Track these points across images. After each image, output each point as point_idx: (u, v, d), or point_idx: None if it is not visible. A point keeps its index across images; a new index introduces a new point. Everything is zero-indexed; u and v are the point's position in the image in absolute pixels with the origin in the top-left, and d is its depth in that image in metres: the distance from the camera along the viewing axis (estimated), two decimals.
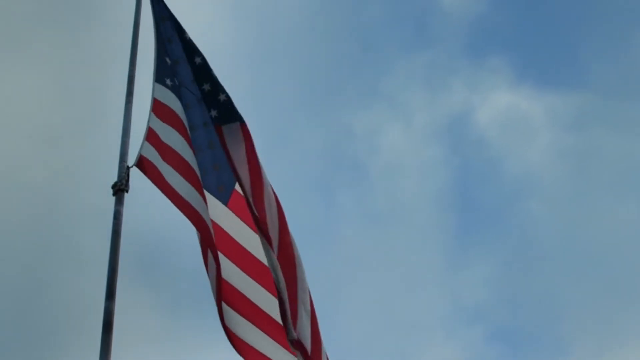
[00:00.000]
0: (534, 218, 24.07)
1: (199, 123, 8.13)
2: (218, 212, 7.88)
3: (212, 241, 7.46)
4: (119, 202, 7.58)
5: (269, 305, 7.68)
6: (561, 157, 25.01)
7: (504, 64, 24.84)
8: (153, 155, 7.74)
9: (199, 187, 7.65)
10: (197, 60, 8.30)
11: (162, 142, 7.84)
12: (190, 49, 8.35)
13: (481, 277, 23.11)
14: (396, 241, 23.02)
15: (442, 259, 23.28)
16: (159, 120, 7.92)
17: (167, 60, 8.30)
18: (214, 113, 8.10)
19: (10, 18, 18.84)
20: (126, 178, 7.65)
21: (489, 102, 24.97)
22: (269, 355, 7.59)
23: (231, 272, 7.72)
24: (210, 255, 7.58)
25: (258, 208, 7.63)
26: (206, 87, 8.19)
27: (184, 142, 7.88)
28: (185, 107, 8.10)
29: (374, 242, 22.92)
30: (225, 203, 7.92)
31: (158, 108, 7.97)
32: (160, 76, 8.15)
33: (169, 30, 8.44)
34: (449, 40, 25.00)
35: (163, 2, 8.60)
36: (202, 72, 8.26)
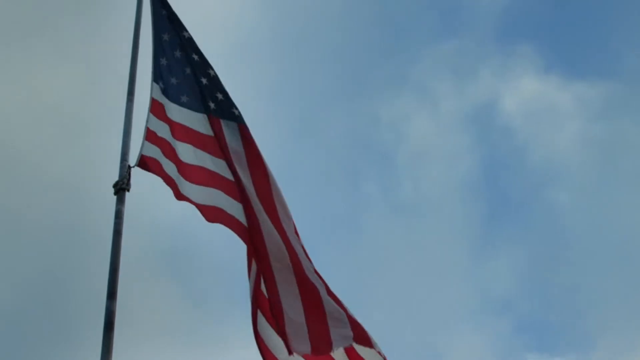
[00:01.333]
0: (560, 208, 23.93)
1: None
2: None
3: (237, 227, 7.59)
4: (120, 201, 7.59)
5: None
6: (588, 146, 24.88)
7: (533, 52, 24.63)
8: (155, 153, 7.79)
9: (202, 181, 7.74)
10: (195, 57, 8.32)
11: (162, 139, 7.91)
12: (190, 46, 8.38)
13: (508, 268, 22.93)
14: (422, 231, 22.90)
15: (469, 248, 23.11)
16: (157, 119, 7.97)
17: (163, 60, 8.32)
18: (212, 105, 8.15)
19: (9, 19, 18.85)
20: (127, 177, 7.66)
21: (516, 90, 24.81)
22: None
23: None
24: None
25: (264, 202, 7.68)
26: (204, 80, 8.24)
27: (173, 138, 7.96)
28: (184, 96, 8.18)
29: (400, 231, 22.82)
30: None
31: (156, 108, 8.02)
32: (157, 76, 8.19)
33: (167, 27, 8.46)
34: (477, 28, 24.78)
35: (165, 1, 8.61)
36: (201, 67, 8.30)
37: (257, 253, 7.49)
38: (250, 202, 7.65)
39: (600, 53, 25.29)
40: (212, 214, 7.73)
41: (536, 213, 24.06)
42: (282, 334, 7.27)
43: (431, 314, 21.43)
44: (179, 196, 7.73)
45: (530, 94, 24.75)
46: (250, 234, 7.58)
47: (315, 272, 7.66)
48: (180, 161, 7.87)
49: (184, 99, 8.15)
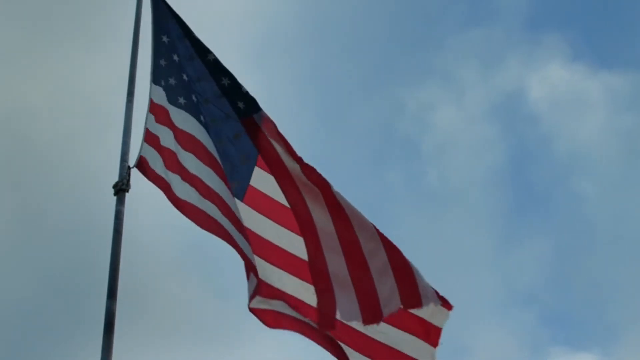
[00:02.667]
0: (586, 199, 23.80)
1: (220, 116, 8.10)
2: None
3: (219, 232, 7.52)
4: (120, 202, 7.60)
5: (300, 290, 7.58)
6: (615, 136, 24.73)
7: (561, 41, 24.43)
8: (152, 156, 7.79)
9: (199, 186, 7.70)
10: (210, 57, 8.25)
11: (160, 144, 7.90)
12: (201, 47, 8.33)
13: (533, 259, 22.86)
14: (447, 221, 22.79)
15: (494, 240, 23.00)
16: (154, 120, 7.97)
17: (162, 62, 8.29)
18: (241, 105, 8.05)
19: (7, 19, 18.84)
20: (127, 178, 7.67)
21: (543, 79, 24.64)
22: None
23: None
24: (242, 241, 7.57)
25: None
26: (225, 81, 8.14)
27: (176, 144, 7.92)
28: (198, 103, 8.10)
29: (425, 222, 22.74)
30: (241, 199, 7.85)
31: (155, 109, 8.01)
32: (157, 77, 8.18)
33: (172, 29, 8.42)
34: (505, 16, 24.59)
35: (165, 1, 8.59)
36: (217, 68, 8.24)
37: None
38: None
39: (628, 42, 25.13)
40: (185, 208, 7.69)
41: (562, 204, 23.98)
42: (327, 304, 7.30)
43: (456, 306, 21.30)
44: (173, 199, 7.72)
45: (557, 84, 24.60)
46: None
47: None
48: (170, 151, 7.85)
49: (181, 100, 8.12)
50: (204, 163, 7.80)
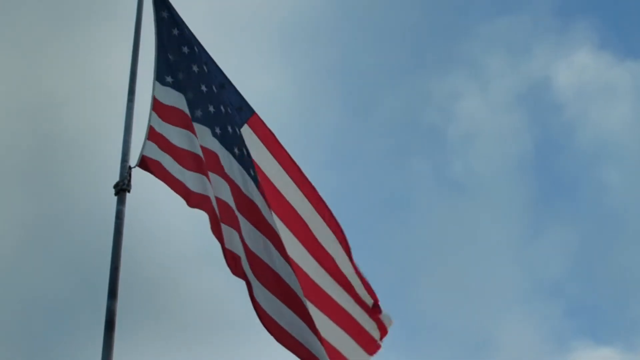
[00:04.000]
0: (612, 188, 23.76)
1: (235, 105, 8.34)
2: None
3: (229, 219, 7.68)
4: (121, 201, 7.60)
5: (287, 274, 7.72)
6: None
7: (589, 29, 24.40)
8: (157, 153, 7.76)
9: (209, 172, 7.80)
10: (195, 69, 8.39)
11: (166, 140, 7.87)
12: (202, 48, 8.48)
13: (558, 249, 22.81)
14: (472, 210, 22.83)
15: (519, 229, 22.98)
16: (159, 119, 7.94)
17: (170, 57, 8.30)
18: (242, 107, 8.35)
19: (9, 17, 18.84)
20: (128, 178, 7.65)
21: (570, 67, 24.55)
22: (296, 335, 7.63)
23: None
24: (232, 232, 7.67)
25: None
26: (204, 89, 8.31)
27: (190, 135, 7.95)
28: (212, 94, 8.21)
29: (450, 211, 22.77)
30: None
31: (158, 107, 7.99)
32: (161, 74, 8.15)
33: (169, 28, 8.49)
34: (533, 4, 24.59)
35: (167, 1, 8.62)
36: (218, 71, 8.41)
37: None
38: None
39: None
40: (196, 200, 7.76)
41: (587, 194, 23.95)
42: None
43: (480, 297, 21.26)
44: (183, 194, 7.75)
45: (584, 72, 24.50)
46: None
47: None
48: (178, 149, 7.89)
49: (189, 94, 8.20)
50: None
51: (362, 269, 8.54)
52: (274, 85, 21.81)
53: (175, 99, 8.10)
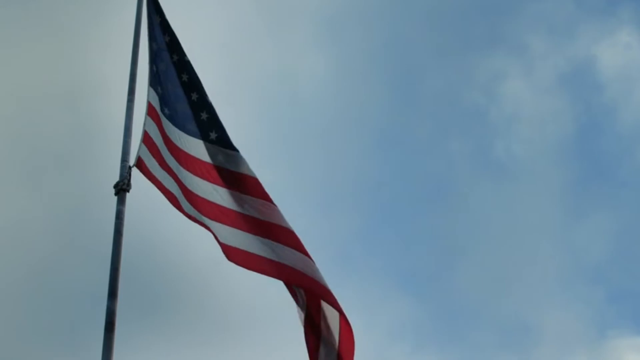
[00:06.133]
0: None
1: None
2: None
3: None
4: (121, 201, 7.61)
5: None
6: None
7: (633, 10, 24.15)
8: (148, 157, 7.86)
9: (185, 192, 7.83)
10: (185, 77, 8.36)
11: (155, 146, 7.99)
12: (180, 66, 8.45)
13: (600, 233, 22.61)
14: (513, 193, 22.63)
15: (561, 213, 22.78)
16: (153, 123, 8.03)
17: (154, 67, 8.36)
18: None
19: (5, 16, 18.84)
20: (128, 178, 7.68)
21: (614, 49, 24.30)
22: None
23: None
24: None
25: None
26: (194, 96, 8.29)
27: (166, 150, 8.02)
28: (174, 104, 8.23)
29: (491, 193, 22.59)
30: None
31: (152, 112, 8.08)
32: (153, 81, 8.25)
33: (157, 36, 8.52)
34: None
35: (159, 7, 8.65)
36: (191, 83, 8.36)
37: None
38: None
39: None
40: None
41: (629, 176, 23.68)
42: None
43: (521, 281, 21.06)
44: (174, 203, 7.79)
45: (628, 54, 24.25)
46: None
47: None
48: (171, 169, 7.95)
49: (166, 110, 8.18)
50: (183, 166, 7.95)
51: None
52: (318, 69, 21.83)
53: (159, 109, 8.20)
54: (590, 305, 21.96)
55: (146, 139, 7.96)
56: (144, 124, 8.05)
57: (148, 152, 7.91)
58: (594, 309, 21.95)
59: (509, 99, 23.65)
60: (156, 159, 7.94)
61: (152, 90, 8.21)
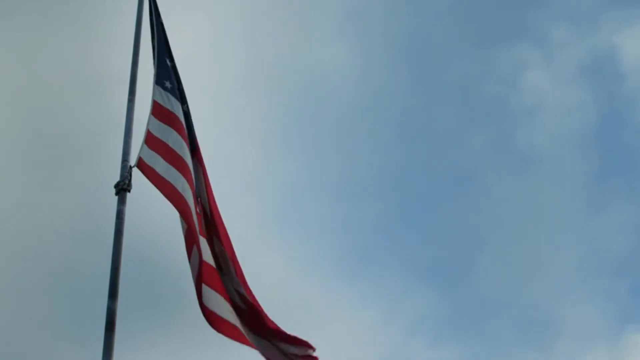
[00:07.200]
0: None
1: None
2: None
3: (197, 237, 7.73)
4: (122, 201, 7.62)
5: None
6: None
7: None
8: (152, 157, 7.84)
9: (192, 186, 7.82)
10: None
11: (162, 142, 7.95)
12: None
13: (622, 225, 22.52)
14: (534, 184, 22.53)
15: (581, 204, 22.69)
16: (158, 121, 8.01)
17: (167, 61, 8.36)
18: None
19: (9, 17, 18.84)
20: (129, 178, 7.68)
21: (636, 41, 24.07)
22: (243, 331, 7.78)
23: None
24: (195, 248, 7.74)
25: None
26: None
27: (182, 143, 8.03)
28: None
29: (512, 184, 22.50)
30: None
31: (157, 110, 8.06)
32: (160, 78, 8.24)
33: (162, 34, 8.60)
34: None
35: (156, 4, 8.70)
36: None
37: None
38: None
39: None
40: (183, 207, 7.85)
41: None
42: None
43: (543, 273, 20.93)
44: (172, 197, 7.80)
45: None
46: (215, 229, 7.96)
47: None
48: (175, 153, 7.97)
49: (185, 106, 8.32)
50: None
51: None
52: (340, 59, 21.82)
53: (171, 104, 8.19)
54: (611, 298, 21.91)
55: (149, 139, 7.93)
56: (147, 124, 8.00)
57: (151, 151, 7.89)
58: (615, 303, 21.87)
59: (531, 90, 23.56)
60: (161, 154, 7.90)
61: (157, 87, 8.19)
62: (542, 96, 23.62)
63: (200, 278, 7.59)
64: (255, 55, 20.49)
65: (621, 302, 22.06)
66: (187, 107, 8.42)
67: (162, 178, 7.76)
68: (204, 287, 7.66)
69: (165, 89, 8.20)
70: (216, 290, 7.78)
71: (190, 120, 8.38)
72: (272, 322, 7.81)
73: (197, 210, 7.82)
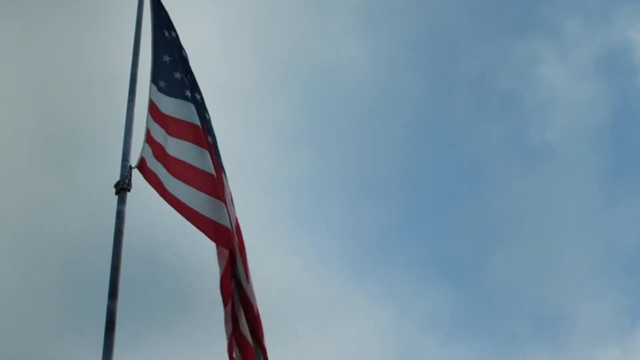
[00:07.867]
0: None
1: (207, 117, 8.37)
2: None
3: (217, 237, 7.59)
4: (122, 201, 7.62)
5: None
6: None
7: None
8: (150, 157, 7.84)
9: (197, 184, 7.75)
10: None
11: (157, 143, 7.96)
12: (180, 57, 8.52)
13: (634, 220, 22.50)
14: (548, 179, 22.53)
15: (594, 199, 22.69)
16: (153, 121, 8.04)
17: (165, 58, 8.36)
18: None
19: (10, 15, 18.83)
20: (129, 177, 7.69)
21: None
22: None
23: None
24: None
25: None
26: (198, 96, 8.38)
27: (174, 140, 8.01)
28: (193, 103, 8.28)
29: (525, 179, 22.50)
30: None
31: (153, 109, 8.08)
32: (155, 77, 8.25)
33: (169, 25, 8.57)
34: None
35: (161, 4, 8.66)
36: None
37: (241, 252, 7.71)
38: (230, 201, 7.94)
39: None
40: (186, 212, 7.74)
41: None
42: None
43: (556, 268, 20.92)
44: (167, 198, 7.76)
45: None
46: (236, 233, 7.77)
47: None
48: (169, 157, 7.92)
49: (187, 93, 8.22)
50: (194, 143, 7.98)
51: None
52: (355, 55, 21.86)
53: (163, 104, 8.19)
54: (625, 294, 21.87)
55: (148, 137, 7.93)
56: (147, 122, 8.02)
57: (151, 151, 7.88)
58: (628, 299, 21.83)
59: (544, 84, 23.56)
60: (155, 155, 7.88)
61: (153, 86, 8.20)
62: (556, 91, 23.64)
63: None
64: (267, 51, 20.52)
65: (635, 297, 21.98)
66: (201, 96, 8.37)
67: (160, 180, 7.77)
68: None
69: (159, 88, 8.20)
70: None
71: (203, 109, 8.31)
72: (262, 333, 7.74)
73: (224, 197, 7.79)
